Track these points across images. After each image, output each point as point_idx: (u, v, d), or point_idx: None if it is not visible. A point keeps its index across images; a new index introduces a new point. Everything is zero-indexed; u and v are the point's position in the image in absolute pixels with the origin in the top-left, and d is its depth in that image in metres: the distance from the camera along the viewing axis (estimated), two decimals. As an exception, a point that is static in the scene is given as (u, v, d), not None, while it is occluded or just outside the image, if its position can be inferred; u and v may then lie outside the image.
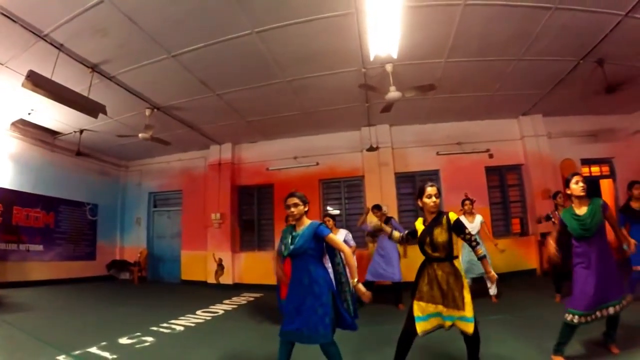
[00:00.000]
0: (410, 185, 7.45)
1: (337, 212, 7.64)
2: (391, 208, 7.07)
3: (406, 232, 2.73)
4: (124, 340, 3.70)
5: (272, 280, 4.38)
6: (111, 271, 9.02)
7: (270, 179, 7.96)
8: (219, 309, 5.44)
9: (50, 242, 7.68)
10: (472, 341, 2.39)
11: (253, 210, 8.15)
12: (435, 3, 3.91)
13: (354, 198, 7.60)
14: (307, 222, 2.49)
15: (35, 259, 7.27)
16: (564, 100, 6.92)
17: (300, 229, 2.47)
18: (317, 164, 7.69)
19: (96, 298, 6.46)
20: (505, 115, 7.55)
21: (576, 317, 2.60)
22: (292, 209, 2.47)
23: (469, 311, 2.34)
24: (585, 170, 8.09)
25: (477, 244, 2.55)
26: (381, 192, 7.12)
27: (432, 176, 7.51)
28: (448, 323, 2.39)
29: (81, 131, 7.27)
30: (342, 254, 2.47)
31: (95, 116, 4.87)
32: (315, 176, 7.72)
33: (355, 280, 2.36)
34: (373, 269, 5.23)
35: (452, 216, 2.49)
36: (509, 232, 7.50)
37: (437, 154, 7.43)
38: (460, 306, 2.36)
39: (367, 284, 5.09)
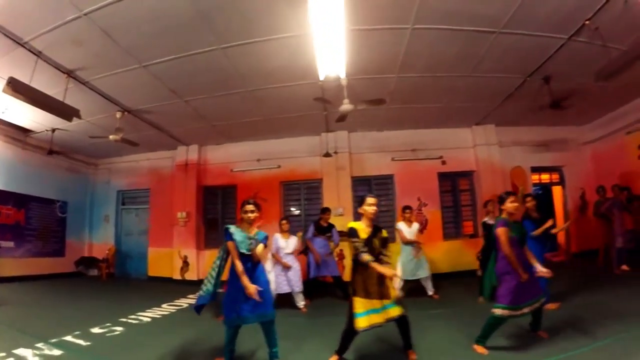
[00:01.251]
0: (367, 188, 7.79)
1: (297, 212, 7.97)
2: (347, 210, 7.41)
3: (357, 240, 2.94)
4: (95, 330, 4.07)
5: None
6: (80, 268, 9.10)
7: (234, 180, 8.21)
8: (184, 302, 5.75)
9: (21, 239, 7.75)
10: (403, 322, 2.88)
11: (217, 210, 8.41)
12: (383, 27, 4.23)
13: (313, 200, 7.92)
14: (256, 228, 3.00)
15: (6, 255, 7.30)
16: (516, 112, 7.29)
17: (253, 233, 2.96)
18: (279, 166, 7.99)
19: (67, 293, 6.70)
20: (458, 125, 7.93)
21: (507, 311, 2.96)
22: (250, 215, 2.95)
23: (393, 298, 2.86)
24: (535, 178, 8.55)
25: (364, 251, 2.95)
26: (338, 195, 7.45)
27: (387, 180, 7.87)
28: (381, 317, 2.78)
29: (53, 130, 7.40)
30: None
31: (70, 120, 5.08)
32: (277, 178, 8.01)
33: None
34: (311, 268, 5.55)
35: (385, 233, 3.03)
36: (459, 234, 7.89)
37: (392, 159, 7.80)
38: (390, 295, 2.85)
39: (311, 281, 5.45)
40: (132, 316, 4.73)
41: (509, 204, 3.14)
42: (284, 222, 5.13)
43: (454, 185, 8.05)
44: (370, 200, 2.95)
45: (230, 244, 2.85)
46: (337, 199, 7.39)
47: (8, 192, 7.54)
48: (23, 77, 4.35)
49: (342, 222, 7.12)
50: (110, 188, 9.36)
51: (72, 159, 9.01)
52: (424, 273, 5.29)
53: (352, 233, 2.89)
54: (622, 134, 7.47)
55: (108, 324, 4.30)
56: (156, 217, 8.75)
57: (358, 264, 2.87)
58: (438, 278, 6.43)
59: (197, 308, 3.13)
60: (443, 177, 7.96)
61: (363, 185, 7.82)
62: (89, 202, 9.57)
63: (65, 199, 8.97)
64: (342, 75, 4.90)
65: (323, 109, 6.62)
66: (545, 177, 8.78)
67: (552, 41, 4.62)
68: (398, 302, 2.87)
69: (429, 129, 7.91)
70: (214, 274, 3.02)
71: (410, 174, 7.74)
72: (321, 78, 5.09)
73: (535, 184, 8.73)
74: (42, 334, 3.82)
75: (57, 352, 3.36)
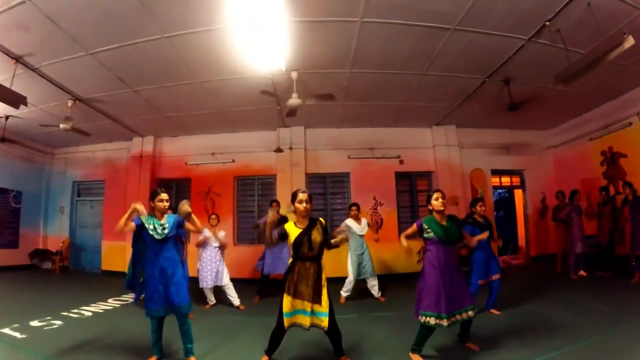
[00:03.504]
0: (322, 186, 7.69)
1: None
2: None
3: (277, 233, 2.91)
4: (34, 323, 4.07)
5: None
6: (34, 260, 8.84)
7: (189, 173, 8.05)
8: (131, 297, 5.61)
9: None
10: (332, 334, 2.78)
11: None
12: (330, 19, 4.09)
13: (267, 196, 7.77)
14: (167, 214, 3.08)
15: None
16: (475, 114, 7.26)
17: (164, 219, 3.01)
18: (233, 161, 7.84)
19: (15, 286, 6.57)
20: (418, 124, 7.89)
21: (432, 319, 2.77)
22: (166, 204, 3.01)
23: (325, 307, 2.70)
24: (495, 180, 8.55)
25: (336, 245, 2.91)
26: (291, 191, 7.30)
27: (342, 178, 7.78)
28: (308, 321, 2.67)
29: (7, 117, 7.20)
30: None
31: (17, 107, 4.92)
32: (231, 173, 7.86)
33: None
34: (265, 263, 5.45)
35: (322, 221, 2.86)
36: (415, 234, 7.79)
37: (349, 157, 7.71)
38: (321, 302, 2.70)
39: (263, 278, 5.42)
40: (75, 310, 4.73)
41: (434, 202, 3.04)
42: (212, 216, 5.20)
43: (412, 185, 7.98)
44: (300, 196, 2.84)
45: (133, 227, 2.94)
46: (290, 195, 7.25)
47: (-43, 180, 7.29)
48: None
49: (293, 219, 7.03)
50: (66, 178, 9.10)
51: (27, 148, 8.75)
52: (370, 273, 5.20)
53: (282, 235, 2.83)
54: (586, 140, 7.52)
55: (48, 318, 4.29)
56: (110, 209, 8.51)
57: (297, 262, 2.78)
58: (392, 279, 6.40)
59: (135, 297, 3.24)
60: (400, 176, 7.90)
61: (318, 183, 7.72)
62: (44, 192, 9.28)
63: (19, 189, 8.70)
64: (283, 68, 4.76)
65: (276, 104, 6.50)
66: (505, 180, 8.79)
67: (511, 41, 4.53)
68: (329, 314, 2.75)
69: (387, 128, 7.85)
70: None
71: (367, 173, 7.66)
72: (261, 71, 4.95)
73: (495, 187, 8.72)
74: (-21, 326, 3.83)
75: (-10, 343, 3.34)
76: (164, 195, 3.02)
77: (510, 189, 9.45)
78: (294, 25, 4.06)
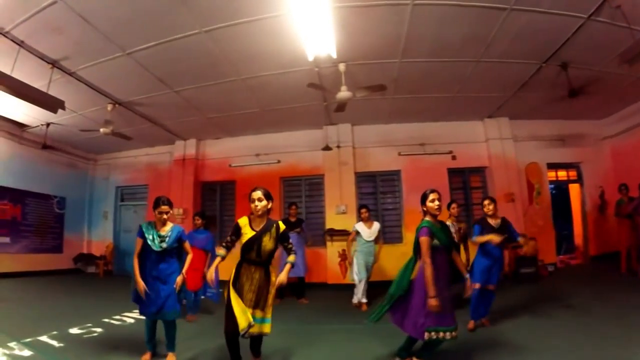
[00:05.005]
0: (371, 185, 7.41)
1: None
2: (350, 207, 7.04)
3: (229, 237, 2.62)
4: (74, 330, 3.87)
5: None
6: (78, 264, 8.96)
7: (233, 175, 7.92)
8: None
9: (17, 235, 7.63)
10: (259, 340, 2.65)
11: (215, 206, 8.12)
12: (381, 3, 3.85)
13: (315, 197, 7.57)
14: (170, 224, 3.02)
15: (1, 251, 7.22)
16: (530, 103, 6.86)
17: (166, 230, 2.96)
18: (279, 161, 7.66)
19: (60, 290, 6.54)
20: (469, 117, 7.50)
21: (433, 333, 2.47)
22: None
23: (269, 313, 2.56)
24: (551, 175, 8.07)
25: (294, 252, 2.66)
26: (341, 191, 7.09)
27: (393, 176, 7.48)
28: (252, 329, 2.40)
29: (48, 124, 7.26)
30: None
31: (55, 111, 4.93)
32: (277, 174, 7.67)
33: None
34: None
35: (282, 226, 2.60)
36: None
37: (399, 154, 7.39)
38: (264, 308, 2.53)
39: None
40: (117, 316, 4.52)
41: (429, 204, 2.65)
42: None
43: (465, 182, 7.60)
44: (254, 194, 2.54)
45: (138, 240, 2.94)
46: (339, 196, 7.03)
47: (3, 187, 7.40)
48: (6, 69, 4.24)
49: (344, 221, 6.82)
50: (109, 184, 9.17)
51: (70, 154, 8.86)
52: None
53: (235, 233, 2.59)
54: None
55: (89, 325, 4.08)
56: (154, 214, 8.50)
57: (243, 265, 2.56)
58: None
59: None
60: (453, 173, 7.52)
61: (368, 182, 7.45)
62: (88, 198, 9.40)
63: (63, 195, 8.81)
64: (334, 55, 4.47)
65: (323, 100, 6.28)
66: (562, 174, 8.28)
67: (569, 21, 4.18)
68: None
69: (437, 122, 7.48)
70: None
71: (418, 170, 7.31)
72: (310, 60, 4.68)
73: (551, 181, 8.23)
74: (18, 332, 3.65)
75: (27, 352, 3.19)
76: (164, 208, 2.93)
77: (558, 184, 8.93)
78: (339, 11, 3.79)
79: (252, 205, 2.52)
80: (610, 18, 4.06)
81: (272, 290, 2.57)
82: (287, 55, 4.75)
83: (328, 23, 3.87)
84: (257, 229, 2.52)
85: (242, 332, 2.34)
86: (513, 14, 4.03)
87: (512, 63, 5.22)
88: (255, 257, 2.52)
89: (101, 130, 5.97)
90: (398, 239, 7.12)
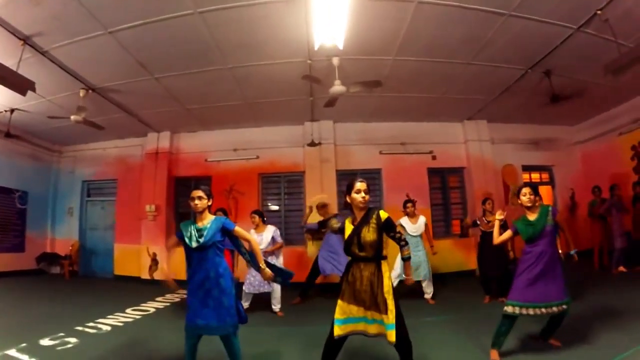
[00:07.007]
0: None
1: (276, 207, 7.42)
2: (331, 206, 6.89)
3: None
4: (45, 342, 3.51)
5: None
6: (41, 265, 8.34)
7: (209, 170, 7.60)
8: (151, 306, 5.17)
9: None
10: (401, 347, 2.26)
11: (189, 203, 7.77)
12: None
13: (294, 194, 7.40)
14: (210, 216, 2.57)
15: None
16: (509, 107, 7.06)
17: (205, 223, 2.51)
18: (258, 157, 7.43)
19: (24, 294, 6.05)
20: (450, 119, 7.60)
21: (517, 308, 2.69)
22: (197, 202, 2.51)
23: (390, 318, 2.19)
24: (525, 177, 8.29)
25: (406, 244, 2.45)
26: (322, 189, 6.95)
27: (374, 175, 7.43)
28: (372, 328, 2.27)
29: (12, 110, 6.69)
30: (250, 243, 2.71)
31: (24, 93, 4.42)
32: (255, 170, 7.44)
33: (263, 265, 2.63)
34: (325, 264, 4.97)
35: (383, 214, 2.36)
36: (449, 233, 7.53)
37: (380, 153, 7.37)
38: (382, 310, 2.22)
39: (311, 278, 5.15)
40: (91, 324, 4.15)
41: (523, 197, 2.94)
42: (252, 215, 4.68)
43: (444, 182, 7.67)
44: (358, 185, 2.39)
45: (176, 240, 2.62)
46: (320, 193, 6.87)
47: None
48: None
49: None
50: (75, 178, 8.58)
51: (34, 145, 8.23)
52: (424, 275, 4.88)
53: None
54: (614, 135, 7.38)
55: (61, 334, 3.71)
56: (123, 210, 8.06)
57: (352, 264, 2.39)
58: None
59: None
60: (433, 172, 7.59)
61: (348, 180, 7.35)
62: (52, 192, 8.76)
63: (25, 189, 8.19)
64: (340, 46, 4.24)
65: (309, 94, 6.14)
66: (535, 176, 8.54)
67: (560, 30, 4.38)
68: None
69: (419, 122, 7.54)
70: None
71: (399, 169, 7.32)
72: (316, 48, 4.43)
73: (525, 183, 8.44)
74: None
75: (-6, 371, 2.83)
76: (195, 193, 2.53)
77: (532, 186, 9.19)
78: (342, 2, 3.63)
79: (356, 196, 2.36)
80: (597, 30, 4.28)
81: (391, 290, 2.28)
82: (284, 45, 4.57)
83: (343, 10, 3.67)
84: (357, 222, 2.39)
85: (335, 337, 2.31)
86: (510, 20, 4.13)
87: (500, 67, 5.36)
88: (358, 251, 2.35)
89: (72, 117, 5.46)
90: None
